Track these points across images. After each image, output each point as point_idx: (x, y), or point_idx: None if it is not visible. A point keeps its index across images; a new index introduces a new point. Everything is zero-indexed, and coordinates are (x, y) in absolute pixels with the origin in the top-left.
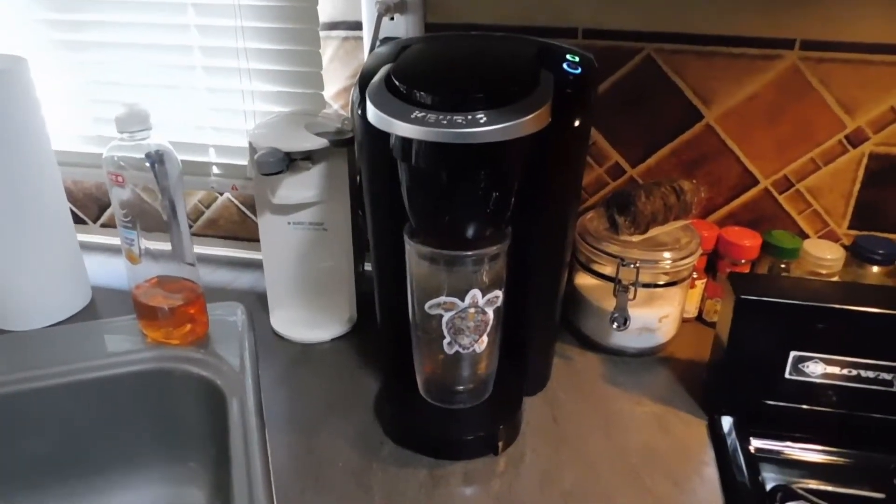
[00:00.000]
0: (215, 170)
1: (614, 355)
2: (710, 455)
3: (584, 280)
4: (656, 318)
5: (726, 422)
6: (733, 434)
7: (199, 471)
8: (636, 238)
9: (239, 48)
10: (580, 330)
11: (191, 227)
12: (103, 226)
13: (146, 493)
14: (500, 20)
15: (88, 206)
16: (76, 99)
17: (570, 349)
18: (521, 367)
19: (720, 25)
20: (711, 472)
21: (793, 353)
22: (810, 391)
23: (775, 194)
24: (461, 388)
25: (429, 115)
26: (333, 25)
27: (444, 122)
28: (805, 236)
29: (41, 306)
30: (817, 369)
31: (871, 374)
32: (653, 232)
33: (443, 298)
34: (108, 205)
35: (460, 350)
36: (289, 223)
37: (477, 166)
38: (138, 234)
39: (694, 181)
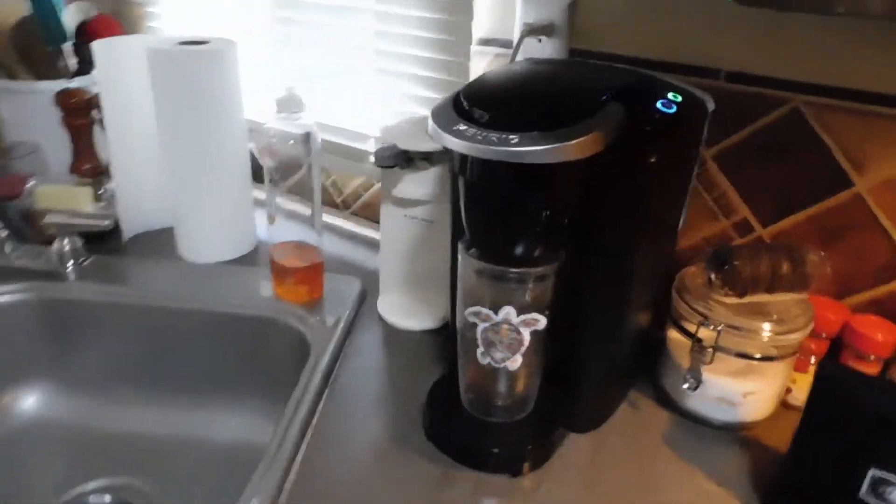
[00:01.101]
0: (371, 159)
1: (689, 420)
2: None
3: (673, 334)
4: (740, 392)
5: None
6: None
7: (271, 409)
8: (731, 301)
9: (402, 53)
10: (660, 384)
11: (349, 207)
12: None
13: (228, 417)
14: (643, 53)
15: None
16: (276, 80)
17: (646, 401)
18: (569, 400)
19: (885, 82)
20: None
21: (872, 472)
22: None
23: None
24: (496, 401)
25: (468, 130)
26: (487, 42)
27: (479, 138)
28: None
29: (213, 246)
30: None
31: None
32: (755, 298)
33: (478, 308)
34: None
35: (493, 363)
36: (405, 215)
37: (514, 185)
38: (275, 199)
39: (822, 254)
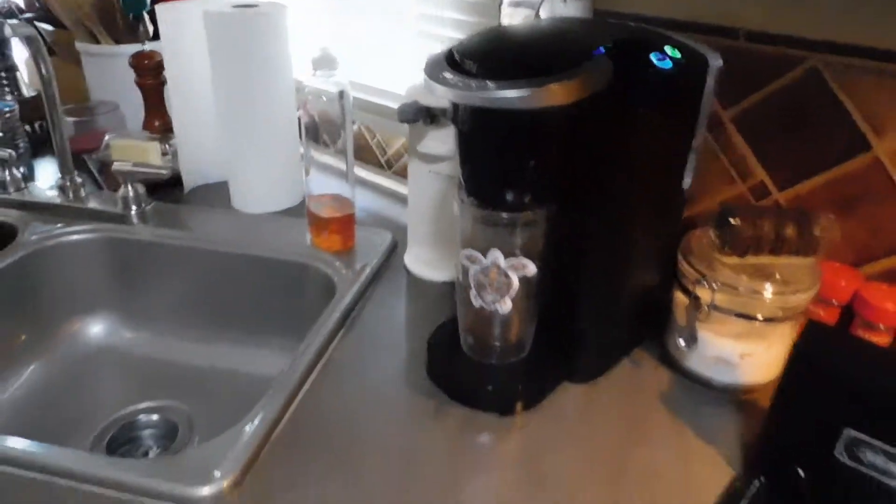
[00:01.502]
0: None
1: (688, 380)
2: None
3: (677, 295)
4: (737, 352)
5: (755, 485)
6: (758, 497)
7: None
8: (732, 261)
9: (441, 17)
10: (665, 344)
11: (392, 167)
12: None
13: (263, 352)
14: (665, 13)
15: (331, 133)
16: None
17: (649, 360)
18: (567, 349)
19: None
20: None
21: (847, 432)
22: (860, 484)
23: None
24: (492, 343)
25: (453, 79)
26: (518, 3)
27: (461, 84)
28: None
29: (262, 198)
30: (876, 461)
31: None
32: (758, 259)
33: (470, 251)
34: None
35: (484, 305)
36: (429, 171)
37: (499, 132)
38: (310, 153)
39: (832, 217)
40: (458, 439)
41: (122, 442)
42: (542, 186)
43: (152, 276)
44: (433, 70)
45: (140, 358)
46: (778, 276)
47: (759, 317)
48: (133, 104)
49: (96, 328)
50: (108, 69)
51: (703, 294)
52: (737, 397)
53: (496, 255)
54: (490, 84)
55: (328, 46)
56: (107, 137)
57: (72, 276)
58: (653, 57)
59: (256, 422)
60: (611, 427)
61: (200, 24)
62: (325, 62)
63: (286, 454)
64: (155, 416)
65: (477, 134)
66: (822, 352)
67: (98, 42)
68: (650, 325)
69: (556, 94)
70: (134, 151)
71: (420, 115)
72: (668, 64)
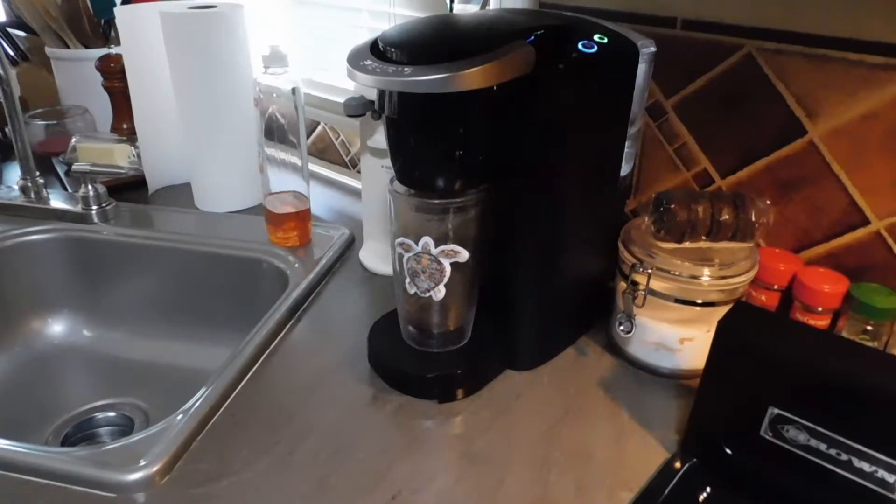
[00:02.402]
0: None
1: (632, 366)
2: (640, 484)
3: (619, 282)
4: (676, 337)
5: (686, 465)
6: (687, 476)
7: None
8: (669, 246)
9: (394, 14)
10: (609, 332)
11: (355, 165)
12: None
13: (221, 348)
14: (606, 5)
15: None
16: (299, 47)
17: (594, 348)
18: (507, 337)
19: (836, 25)
20: (626, 497)
21: (771, 410)
22: (784, 460)
23: (890, 241)
24: (430, 331)
25: (372, 65)
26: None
27: (378, 70)
28: None
29: (223, 197)
30: (799, 437)
31: (866, 466)
32: (696, 244)
33: (402, 238)
34: (310, 136)
35: (419, 293)
36: (381, 165)
37: (422, 118)
38: (265, 150)
39: (767, 202)
40: (393, 425)
41: (78, 438)
42: (472, 172)
43: (112, 274)
44: (355, 58)
45: (100, 355)
46: (716, 261)
47: (699, 301)
48: (103, 107)
49: (57, 326)
50: (78, 73)
51: (640, 279)
52: (678, 382)
53: (427, 242)
54: (407, 70)
55: (278, 44)
56: (73, 140)
57: (32, 275)
58: (579, 44)
59: (191, 412)
60: (548, 412)
61: (159, 26)
62: (275, 59)
63: (221, 442)
64: (112, 413)
65: (402, 121)
66: (746, 330)
67: (68, 47)
68: (597, 313)
69: (473, 77)
70: (100, 153)
71: (366, 109)
72: (593, 49)
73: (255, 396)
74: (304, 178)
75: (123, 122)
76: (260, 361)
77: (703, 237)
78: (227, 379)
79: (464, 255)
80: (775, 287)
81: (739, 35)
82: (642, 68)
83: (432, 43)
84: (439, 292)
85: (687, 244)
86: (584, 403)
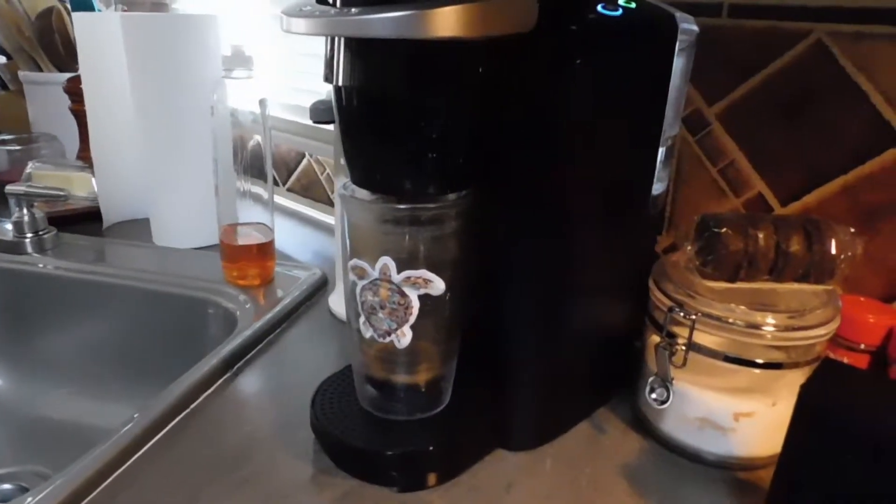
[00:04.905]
0: None
1: (666, 449)
2: None
3: (650, 337)
4: (729, 411)
5: None
6: None
7: None
8: (717, 285)
9: None
10: (636, 402)
11: None
12: (289, 190)
13: (139, 404)
14: None
15: (279, 169)
16: (281, 69)
17: (616, 423)
18: (497, 406)
19: None
20: None
21: None
22: None
23: None
24: (391, 391)
25: (310, 9)
26: None
27: (318, 13)
28: None
29: (180, 232)
30: None
31: None
32: (755, 285)
33: (355, 261)
34: (294, 171)
35: (376, 337)
36: None
37: (372, 85)
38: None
39: (852, 231)
40: None
41: None
42: (450, 168)
43: (40, 313)
44: (292, 7)
45: (10, 410)
46: (782, 307)
47: (758, 361)
48: (75, 134)
49: None
50: (51, 98)
51: (679, 329)
52: (731, 475)
53: (386, 264)
54: (354, 10)
55: (241, 45)
56: (29, 167)
57: None
58: (599, 6)
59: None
60: None
61: (117, 37)
62: (238, 61)
63: None
64: (7, 486)
65: (355, 94)
66: (845, 402)
67: (41, 69)
68: (619, 377)
69: (447, 18)
70: (56, 181)
71: (332, 115)
72: (617, 12)
73: (149, 476)
74: (269, 209)
75: (88, 149)
76: (170, 426)
77: (765, 275)
78: (111, 451)
79: (438, 285)
80: (862, 346)
81: (805, 18)
82: (679, 63)
83: None
84: (403, 336)
85: (742, 284)
86: (601, 499)
